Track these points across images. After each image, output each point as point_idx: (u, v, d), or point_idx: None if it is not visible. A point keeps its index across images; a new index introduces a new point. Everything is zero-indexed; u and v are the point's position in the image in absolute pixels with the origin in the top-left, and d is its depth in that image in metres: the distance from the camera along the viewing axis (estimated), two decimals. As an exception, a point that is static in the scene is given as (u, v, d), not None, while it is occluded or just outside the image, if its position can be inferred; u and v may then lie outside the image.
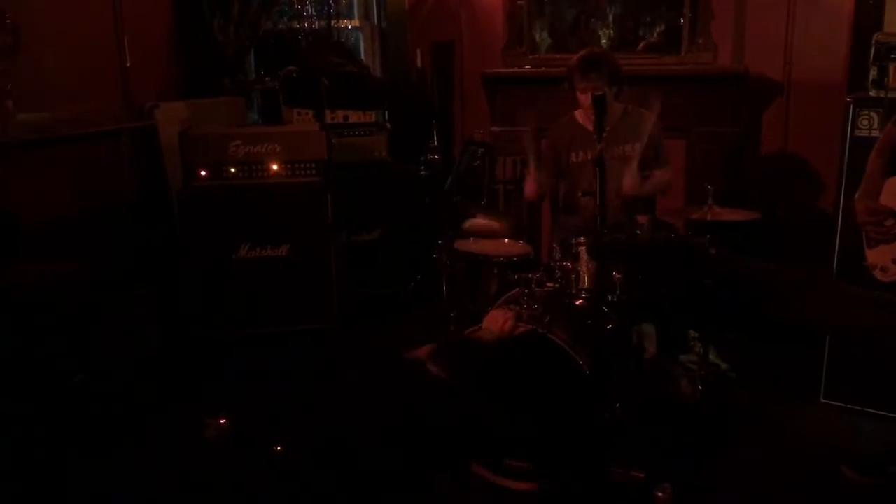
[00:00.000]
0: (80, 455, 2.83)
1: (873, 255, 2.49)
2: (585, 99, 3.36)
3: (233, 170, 3.71)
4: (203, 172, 3.68)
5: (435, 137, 4.94)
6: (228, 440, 3.00)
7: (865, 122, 3.11)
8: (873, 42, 3.14)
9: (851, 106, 3.14)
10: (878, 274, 2.47)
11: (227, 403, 3.22)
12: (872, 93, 3.12)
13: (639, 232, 2.91)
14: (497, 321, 2.65)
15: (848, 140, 3.15)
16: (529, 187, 3.51)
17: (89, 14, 3.70)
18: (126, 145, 3.88)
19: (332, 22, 5.01)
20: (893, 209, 2.40)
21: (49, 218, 3.29)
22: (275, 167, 3.75)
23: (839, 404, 3.21)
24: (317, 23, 4.97)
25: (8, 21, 2.72)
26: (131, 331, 3.53)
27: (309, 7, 4.98)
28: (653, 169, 3.53)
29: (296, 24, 4.96)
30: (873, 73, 3.14)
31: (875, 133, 3.07)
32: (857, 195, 2.51)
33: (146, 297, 3.73)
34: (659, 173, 3.53)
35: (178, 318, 3.77)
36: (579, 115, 3.54)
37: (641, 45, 4.67)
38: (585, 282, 2.88)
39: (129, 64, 3.84)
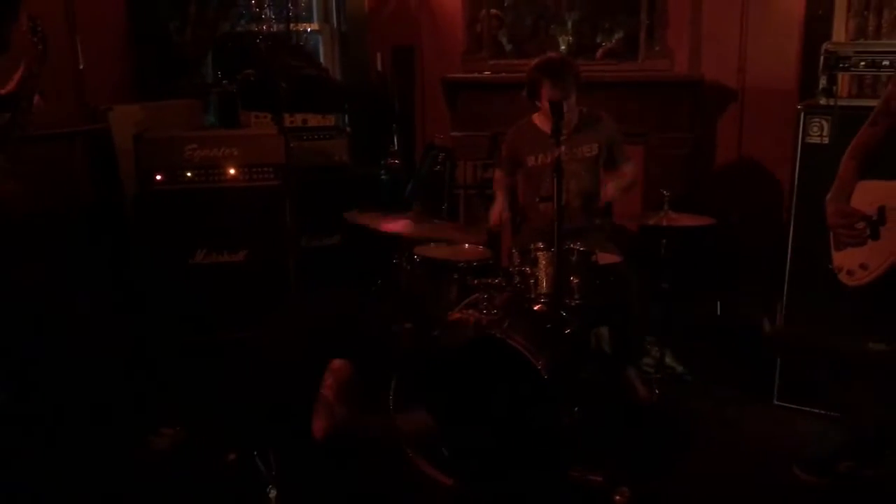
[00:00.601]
0: (25, 463, 2.76)
1: (840, 258, 2.50)
2: (545, 103, 3.39)
3: (189, 174, 3.65)
4: (159, 176, 3.62)
5: (395, 142, 4.94)
6: (182, 448, 2.96)
7: (816, 129, 3.18)
8: (822, 51, 3.21)
9: (802, 113, 3.21)
10: (843, 277, 2.49)
11: (181, 411, 3.17)
12: (822, 101, 3.19)
13: None
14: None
15: (799, 146, 3.22)
16: (494, 214, 3.58)
17: (40, 15, 3.60)
18: (79, 148, 3.80)
19: (291, 25, 4.97)
20: (865, 212, 2.42)
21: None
22: (232, 171, 3.70)
23: (792, 406, 3.27)
24: (275, 26, 4.93)
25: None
26: (83, 336, 3.45)
27: (267, 10, 4.93)
28: (616, 167, 3.56)
29: (254, 27, 4.91)
30: (823, 81, 3.21)
31: (825, 140, 3.14)
32: (828, 196, 2.52)
33: (98, 302, 3.66)
34: (628, 170, 3.58)
35: (132, 324, 3.70)
36: (537, 118, 3.57)
37: (600, 51, 4.72)
38: (544, 286, 2.90)
39: (82, 66, 3.76)
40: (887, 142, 2.39)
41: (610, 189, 3.42)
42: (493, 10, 4.78)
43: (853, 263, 2.45)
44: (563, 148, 2.67)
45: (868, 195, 2.42)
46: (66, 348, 3.27)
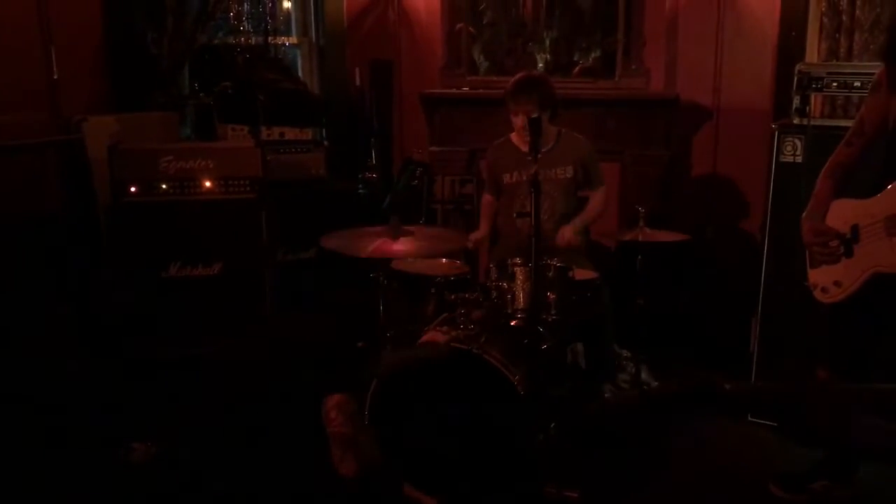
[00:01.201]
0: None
1: (815, 275, 2.54)
2: (517, 121, 3.43)
3: (164, 186, 3.61)
4: (133, 188, 3.58)
5: (373, 156, 4.93)
6: (154, 464, 2.91)
7: (790, 147, 3.23)
8: (796, 72, 3.26)
9: (776, 133, 3.25)
10: (818, 294, 2.52)
11: (153, 426, 3.12)
12: (796, 120, 3.24)
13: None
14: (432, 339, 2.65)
15: (773, 165, 3.26)
16: (474, 238, 3.64)
17: (13, 24, 3.57)
18: (52, 159, 3.75)
19: (270, 38, 4.95)
20: (838, 230, 2.46)
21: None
22: (208, 184, 3.67)
23: (765, 422, 3.29)
24: (254, 39, 4.91)
25: None
26: (52, 348, 3.40)
27: (246, 23, 4.92)
28: (586, 189, 3.60)
29: (232, 40, 4.89)
30: (796, 101, 3.26)
31: (798, 159, 3.19)
32: (804, 214, 2.56)
33: (70, 315, 3.60)
34: (595, 201, 3.59)
35: (104, 338, 3.64)
36: (514, 137, 3.59)
37: (577, 69, 4.76)
38: (521, 302, 2.90)
39: (56, 76, 3.72)
40: (862, 161, 2.42)
41: (567, 234, 3.42)
42: (461, 25, 4.79)
43: (828, 281, 2.48)
44: (539, 161, 2.68)
45: (842, 213, 2.46)
46: (34, 360, 3.21)
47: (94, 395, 3.42)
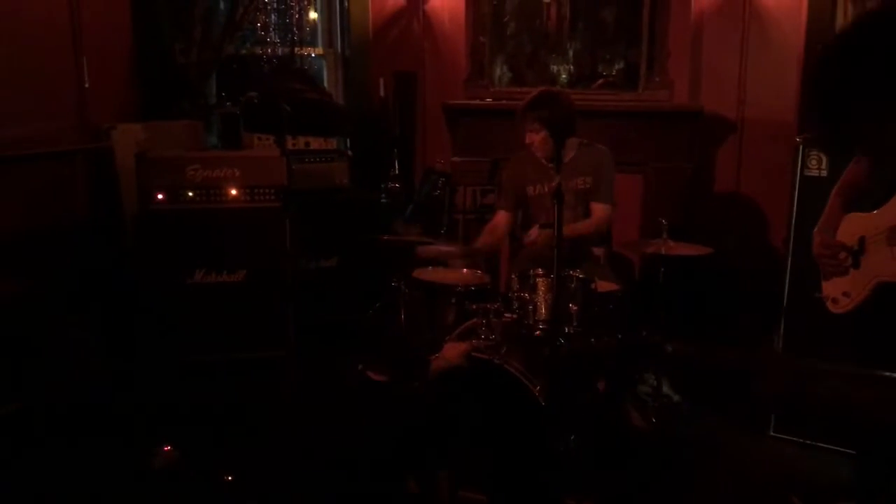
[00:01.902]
0: (22, 481, 2.74)
1: (827, 287, 2.57)
2: (527, 137, 3.44)
3: (190, 194, 3.67)
4: (160, 196, 3.63)
5: (396, 166, 4.96)
6: (177, 469, 2.94)
7: (815, 161, 3.21)
8: (822, 85, 3.23)
9: (801, 146, 3.23)
10: (830, 305, 2.55)
11: (177, 431, 3.15)
12: (821, 134, 3.21)
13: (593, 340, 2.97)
14: (451, 353, 2.65)
15: (798, 179, 3.24)
16: (480, 239, 3.64)
17: (47, 34, 3.65)
18: (81, 166, 3.82)
19: (296, 49, 5.02)
20: (847, 243, 2.48)
21: (-2, 238, 3.22)
22: (233, 192, 3.72)
23: (788, 437, 3.26)
24: (280, 49, 4.98)
25: None
26: (79, 355, 3.44)
27: (272, 33, 4.99)
28: (594, 201, 3.57)
29: (259, 50, 4.96)
30: (821, 114, 3.23)
31: (824, 173, 3.17)
32: (815, 229, 2.59)
33: (96, 321, 3.65)
34: (593, 218, 3.57)
35: (130, 343, 3.69)
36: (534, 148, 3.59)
37: (600, 81, 4.77)
38: (543, 313, 2.90)
39: (87, 85, 3.79)
40: (872, 179, 2.43)
41: (533, 233, 3.42)
42: (483, 38, 4.82)
43: (837, 292, 2.51)
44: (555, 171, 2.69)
45: (852, 227, 2.49)
46: (62, 366, 3.26)
47: (118, 399, 3.46)
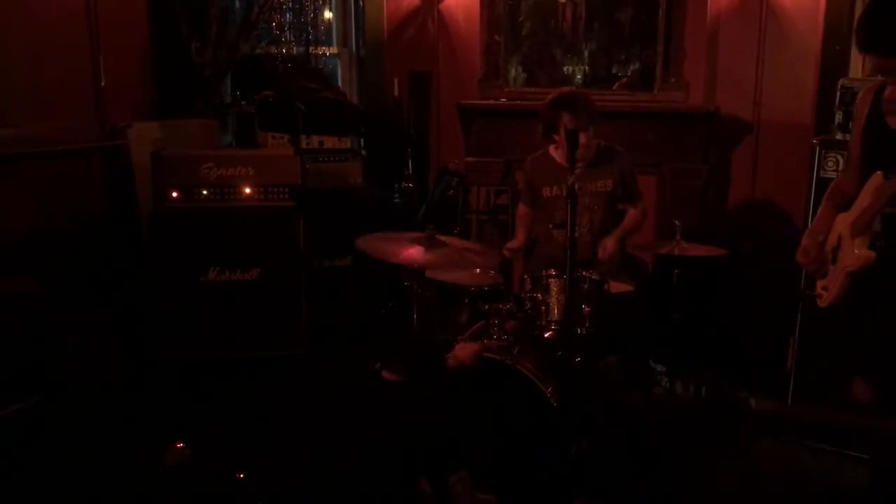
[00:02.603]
0: (37, 477, 2.76)
1: (817, 284, 2.63)
2: (560, 137, 3.41)
3: (205, 192, 3.68)
4: (174, 194, 3.65)
5: (410, 166, 4.96)
6: (190, 466, 2.95)
7: (832, 163, 3.19)
8: (839, 86, 3.22)
9: (818, 148, 3.21)
10: (818, 300, 2.62)
11: (190, 428, 3.16)
12: (838, 136, 3.20)
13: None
14: (463, 353, 2.65)
15: (814, 181, 3.22)
16: (510, 246, 3.66)
17: (65, 32, 3.68)
18: (97, 164, 3.84)
19: (311, 48, 5.04)
20: (830, 243, 2.55)
21: (13, 235, 3.24)
22: (247, 190, 3.73)
23: (805, 444, 3.23)
24: (295, 49, 4.99)
25: None
26: (94, 352, 3.47)
27: (287, 33, 5.00)
28: (625, 203, 3.58)
29: (274, 50, 4.98)
30: (839, 116, 3.22)
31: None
32: (805, 231, 2.71)
33: (111, 318, 3.67)
34: (630, 215, 3.58)
35: (144, 341, 3.71)
36: (553, 150, 3.58)
37: (616, 84, 4.75)
38: (555, 314, 2.89)
39: (104, 83, 3.81)
40: (859, 185, 2.45)
41: (609, 246, 3.40)
42: (498, 38, 4.82)
43: (820, 287, 2.60)
44: (577, 174, 2.68)
45: (836, 227, 2.54)
46: (76, 362, 3.28)
47: (132, 396, 3.48)
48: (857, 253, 2.37)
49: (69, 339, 3.25)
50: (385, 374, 3.33)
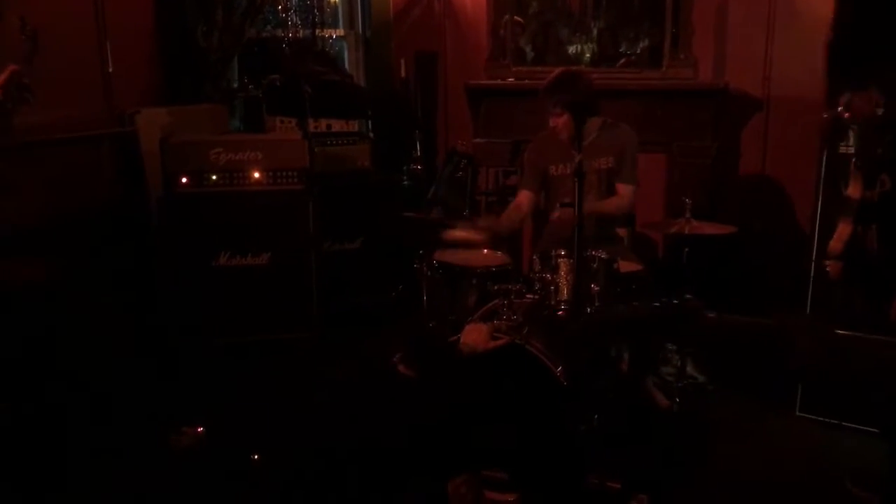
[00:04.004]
0: (49, 461, 2.80)
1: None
2: (551, 120, 3.41)
3: (214, 177, 3.70)
4: (184, 179, 3.67)
5: (418, 148, 4.96)
6: (204, 449, 2.98)
7: (843, 138, 3.16)
8: (850, 60, 3.18)
9: (829, 123, 3.18)
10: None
11: (203, 412, 3.20)
12: (846, 114, 3.16)
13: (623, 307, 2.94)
14: (473, 335, 2.65)
15: (825, 156, 3.19)
16: (482, 225, 3.51)
17: (71, 19, 3.68)
18: (106, 151, 3.85)
19: (317, 31, 5.02)
20: None
21: (23, 222, 3.26)
22: (256, 175, 3.74)
23: (814, 417, 3.23)
24: (301, 31, 4.98)
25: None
26: (106, 336, 3.50)
27: (293, 16, 4.99)
28: (618, 182, 3.54)
29: (280, 33, 4.96)
30: (849, 91, 3.17)
31: (851, 150, 3.12)
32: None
33: (123, 303, 3.70)
34: (617, 196, 3.52)
35: (156, 326, 3.74)
36: (556, 128, 3.56)
37: (624, 61, 4.71)
38: (564, 293, 2.89)
39: (111, 69, 3.82)
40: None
41: (588, 206, 3.34)
42: (515, 17, 4.80)
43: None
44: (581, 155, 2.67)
45: None
46: (89, 348, 3.31)
47: (146, 380, 3.52)
48: None
49: (81, 323, 3.27)
50: (401, 368, 3.35)
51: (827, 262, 2.64)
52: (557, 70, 3.52)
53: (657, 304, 3.06)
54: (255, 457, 2.89)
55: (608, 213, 3.51)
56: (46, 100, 3.46)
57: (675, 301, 3.21)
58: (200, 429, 3.08)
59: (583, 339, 2.74)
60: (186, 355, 3.67)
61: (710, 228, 3.26)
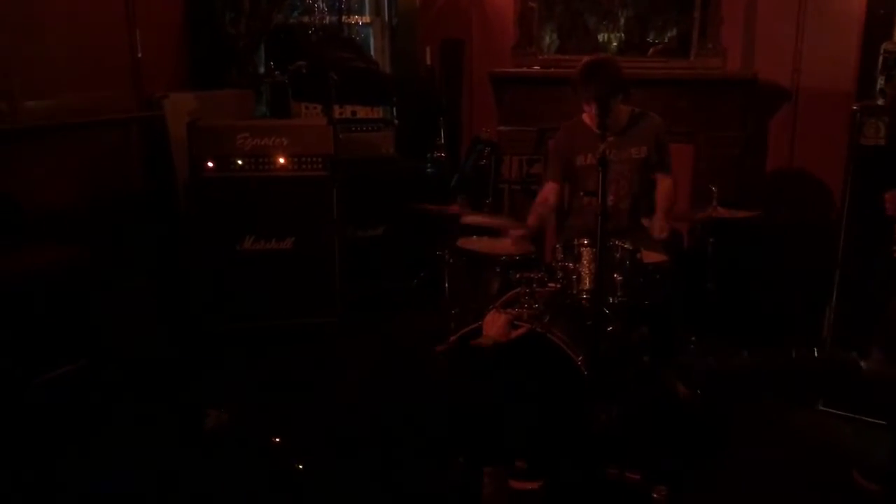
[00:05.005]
0: (78, 442, 2.84)
1: None
2: (588, 107, 3.38)
3: (240, 162, 3.72)
4: (210, 164, 3.70)
5: (442, 135, 4.95)
6: (228, 431, 3.02)
7: (872, 130, 3.12)
8: (882, 51, 3.14)
9: (858, 114, 3.14)
10: None
11: (227, 395, 3.24)
12: (880, 102, 3.13)
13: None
14: (495, 325, 2.65)
15: (854, 148, 3.16)
16: (515, 235, 3.46)
17: (102, 6, 3.72)
18: (135, 135, 3.90)
19: (343, 17, 5.02)
20: None
21: (54, 205, 3.31)
22: (281, 160, 3.76)
23: (837, 411, 3.20)
24: (327, 18, 4.98)
25: None
26: (133, 319, 3.55)
27: (320, 2, 4.99)
28: (656, 173, 3.53)
29: (306, 19, 4.98)
30: (881, 82, 3.15)
31: (882, 142, 3.08)
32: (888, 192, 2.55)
33: (150, 286, 3.75)
34: (666, 188, 3.52)
35: (181, 309, 3.79)
36: (586, 117, 3.54)
37: (651, 50, 4.67)
38: (587, 283, 2.88)
39: (140, 55, 3.85)
40: None
41: (659, 225, 3.33)
42: (533, 3, 4.76)
43: None
44: (610, 139, 2.65)
45: None
46: (116, 330, 3.36)
47: (171, 363, 3.56)
48: None
49: (109, 306, 3.32)
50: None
51: None
52: (587, 58, 3.48)
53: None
54: (277, 440, 2.92)
55: (673, 203, 3.50)
56: (77, 84, 3.52)
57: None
58: (222, 411, 3.11)
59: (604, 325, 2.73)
60: (210, 338, 3.71)
61: (737, 213, 3.23)
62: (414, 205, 3.52)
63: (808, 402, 3.20)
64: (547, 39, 4.89)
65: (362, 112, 4.45)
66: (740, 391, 2.86)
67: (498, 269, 3.19)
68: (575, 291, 2.90)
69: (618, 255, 2.88)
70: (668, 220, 3.37)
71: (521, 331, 2.63)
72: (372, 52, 5.18)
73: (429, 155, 4.88)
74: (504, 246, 3.36)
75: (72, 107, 3.47)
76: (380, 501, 2.66)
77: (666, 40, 4.67)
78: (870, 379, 3.18)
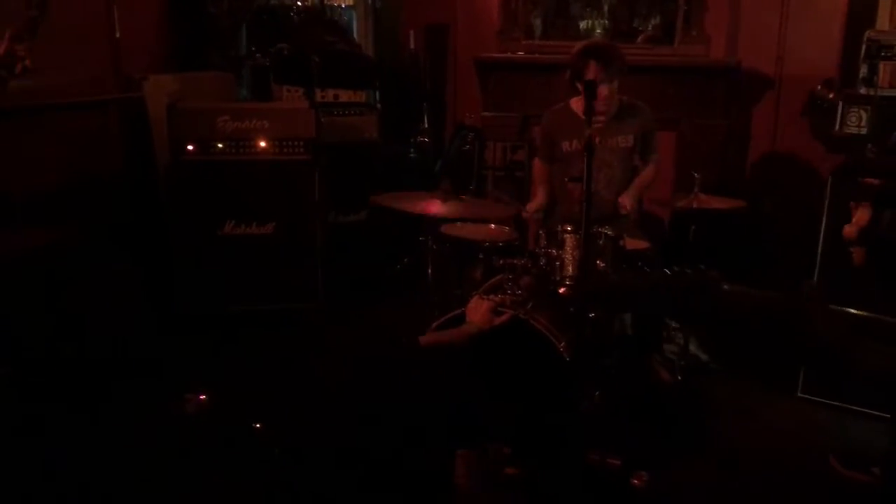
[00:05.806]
0: (58, 423, 2.82)
1: None
2: (602, 89, 3.32)
3: (220, 145, 3.68)
4: (190, 147, 3.66)
5: (426, 120, 4.93)
6: (208, 415, 3.00)
7: (854, 118, 3.13)
8: (865, 39, 3.15)
9: (841, 102, 3.15)
10: None
11: (207, 379, 3.21)
12: (862, 90, 3.13)
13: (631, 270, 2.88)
14: (478, 311, 2.64)
15: (836, 136, 3.17)
16: (531, 206, 3.59)
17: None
18: (114, 117, 3.84)
19: (325, 0, 4.97)
20: None
21: (32, 187, 3.26)
22: (263, 144, 3.72)
23: (816, 399, 3.24)
24: (310, 0, 4.93)
25: None
26: (113, 302, 3.51)
27: (303, -16, 4.93)
28: (640, 160, 3.53)
29: (288, 1, 4.92)
30: (864, 70, 3.16)
31: (864, 130, 3.09)
32: None
33: (130, 270, 3.71)
34: (648, 170, 3.54)
35: (162, 293, 3.75)
36: (574, 103, 3.53)
37: (639, 37, 4.66)
38: (570, 269, 2.88)
39: (118, 35, 3.79)
40: None
41: (627, 201, 3.39)
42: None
43: None
44: (596, 126, 2.64)
45: None
46: (95, 313, 3.32)
47: (151, 347, 3.53)
48: None
49: (88, 290, 3.28)
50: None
51: (852, 249, 2.58)
52: (594, 39, 3.45)
53: (671, 273, 3.01)
54: (258, 425, 2.90)
55: (647, 188, 3.56)
56: (55, 64, 3.46)
57: (691, 270, 3.16)
58: (203, 396, 3.09)
59: (587, 311, 2.73)
60: (191, 321, 3.68)
61: (718, 203, 3.24)
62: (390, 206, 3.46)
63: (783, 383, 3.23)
64: (532, 25, 4.86)
65: (345, 96, 4.41)
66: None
67: (481, 256, 3.18)
68: (558, 278, 2.90)
69: (601, 242, 2.88)
70: (634, 200, 3.41)
71: (504, 317, 2.63)
72: (355, 36, 5.13)
73: (412, 140, 4.85)
74: (488, 232, 3.35)
75: (50, 87, 3.41)
76: (357, 485, 2.66)
77: (650, 27, 4.66)
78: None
